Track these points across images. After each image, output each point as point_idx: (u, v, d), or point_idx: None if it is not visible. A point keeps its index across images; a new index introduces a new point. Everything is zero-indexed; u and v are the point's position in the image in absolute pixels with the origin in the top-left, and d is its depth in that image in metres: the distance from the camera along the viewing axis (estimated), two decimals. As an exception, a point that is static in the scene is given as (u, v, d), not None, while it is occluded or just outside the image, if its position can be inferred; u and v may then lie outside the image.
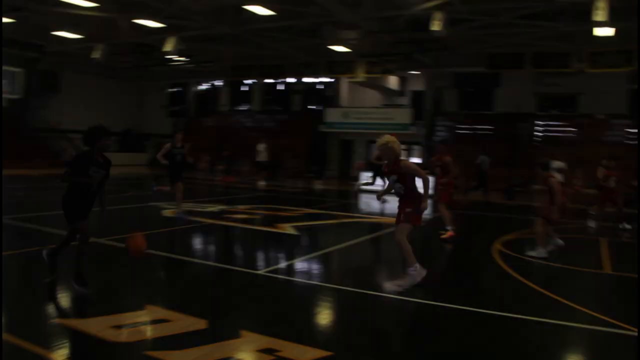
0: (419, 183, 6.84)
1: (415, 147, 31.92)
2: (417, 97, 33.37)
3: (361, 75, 28.88)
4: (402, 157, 6.91)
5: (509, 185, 22.24)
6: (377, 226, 12.80)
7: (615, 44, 23.49)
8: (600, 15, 17.45)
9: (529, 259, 9.04)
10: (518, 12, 21.06)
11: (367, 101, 34.03)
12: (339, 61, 29.21)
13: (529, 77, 28.75)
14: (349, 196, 21.24)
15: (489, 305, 6.32)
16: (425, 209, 6.68)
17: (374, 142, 29.17)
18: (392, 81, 33.15)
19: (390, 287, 6.62)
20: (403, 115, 30.26)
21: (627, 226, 13.25)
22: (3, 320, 4.97)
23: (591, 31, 20.59)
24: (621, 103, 28.30)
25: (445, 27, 19.83)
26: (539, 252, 9.21)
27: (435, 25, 19.39)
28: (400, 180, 6.78)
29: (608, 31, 20.49)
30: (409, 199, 6.75)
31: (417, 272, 6.66)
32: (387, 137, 6.83)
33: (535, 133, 28.89)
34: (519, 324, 5.77)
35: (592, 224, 13.71)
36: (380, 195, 7.41)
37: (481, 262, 9.15)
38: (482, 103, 31.45)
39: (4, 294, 5.43)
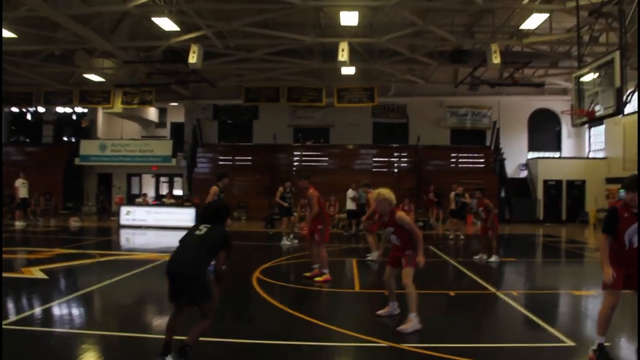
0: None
1: (178, 179, 31.68)
2: (177, 128, 33.30)
3: (118, 106, 27.85)
4: (397, 209, 6.94)
5: (268, 214, 23.02)
6: (138, 263, 12.33)
7: (359, 81, 26.08)
8: (343, 55, 19.18)
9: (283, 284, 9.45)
10: (270, 49, 22.23)
11: (125, 133, 33.00)
12: (94, 90, 27.83)
13: (284, 110, 30.43)
14: (108, 233, 20.22)
15: (249, 334, 6.47)
16: (422, 264, 6.69)
17: (135, 175, 27.96)
18: (151, 112, 32.64)
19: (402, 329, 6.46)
20: (163, 147, 29.90)
21: (483, 257, 12.75)
22: None
23: (338, 69, 22.57)
24: (367, 134, 31.49)
25: (202, 60, 20.11)
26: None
27: (192, 58, 19.54)
28: (396, 232, 6.88)
29: (350, 70, 22.66)
30: (409, 243, 6.82)
31: (416, 319, 6.55)
32: (382, 190, 6.90)
33: (294, 163, 30.59)
34: (280, 349, 5.97)
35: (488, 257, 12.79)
36: (380, 253, 8.50)
37: (242, 291, 9.26)
38: (241, 134, 32.37)
39: None
